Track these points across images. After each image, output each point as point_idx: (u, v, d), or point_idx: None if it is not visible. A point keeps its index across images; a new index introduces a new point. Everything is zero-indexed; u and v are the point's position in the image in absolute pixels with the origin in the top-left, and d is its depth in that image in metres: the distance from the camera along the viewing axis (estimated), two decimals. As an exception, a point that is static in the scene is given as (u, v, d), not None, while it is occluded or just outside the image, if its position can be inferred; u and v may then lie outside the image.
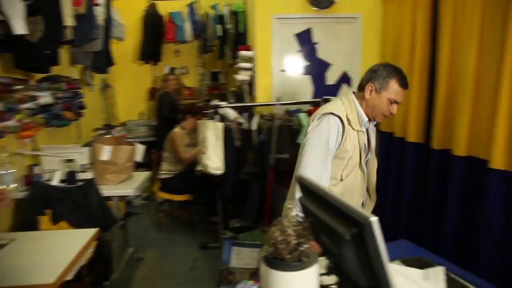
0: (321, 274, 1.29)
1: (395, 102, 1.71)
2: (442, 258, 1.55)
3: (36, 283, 1.61)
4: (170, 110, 4.77)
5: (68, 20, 3.09)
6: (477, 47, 2.25)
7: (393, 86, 1.69)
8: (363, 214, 0.84)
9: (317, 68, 3.55)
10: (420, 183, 2.83)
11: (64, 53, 3.38)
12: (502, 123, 2.02)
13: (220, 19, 5.32)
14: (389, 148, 3.11)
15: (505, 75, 2.00)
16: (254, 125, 2.98)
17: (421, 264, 1.36)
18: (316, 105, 3.25)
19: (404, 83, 1.70)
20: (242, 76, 3.51)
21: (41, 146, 3.28)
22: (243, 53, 3.51)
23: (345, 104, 1.78)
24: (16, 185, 1.51)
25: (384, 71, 1.71)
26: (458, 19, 2.45)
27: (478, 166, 2.21)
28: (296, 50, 3.54)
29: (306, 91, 3.56)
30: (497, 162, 2.03)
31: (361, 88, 1.78)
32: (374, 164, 1.88)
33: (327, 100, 3.30)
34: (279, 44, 3.50)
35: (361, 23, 3.56)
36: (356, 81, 3.56)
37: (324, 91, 3.51)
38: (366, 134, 1.78)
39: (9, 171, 2.90)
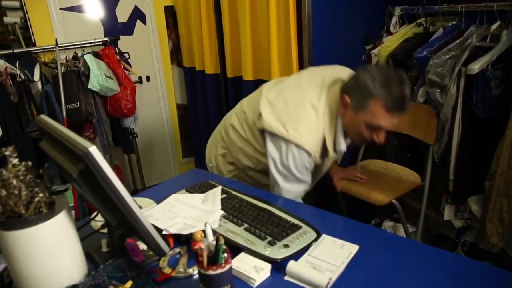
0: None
1: (379, 128, 1.30)
2: (229, 178, 1.64)
3: None
4: None
5: None
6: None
7: (374, 109, 1.26)
8: (82, 144, 0.76)
9: (104, 4, 3.20)
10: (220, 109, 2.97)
11: None
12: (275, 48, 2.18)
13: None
14: (194, 80, 3.18)
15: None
16: (36, 75, 2.57)
17: (204, 188, 1.36)
18: (105, 45, 2.97)
19: (392, 107, 1.24)
20: (11, 18, 2.93)
21: None
22: (6, -11, 2.90)
23: (323, 121, 1.35)
24: None
25: (370, 84, 1.25)
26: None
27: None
28: (76, -17, 3.10)
29: (97, 31, 3.21)
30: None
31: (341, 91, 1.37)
32: None
33: (118, 39, 3.07)
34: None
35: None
36: (150, 16, 3.37)
37: (118, 30, 3.23)
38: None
39: None
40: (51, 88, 2.58)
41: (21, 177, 0.86)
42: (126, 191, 0.80)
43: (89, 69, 2.58)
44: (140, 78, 3.35)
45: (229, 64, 2.70)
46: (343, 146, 1.37)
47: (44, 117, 1.06)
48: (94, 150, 0.75)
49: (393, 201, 1.78)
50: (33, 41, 3.00)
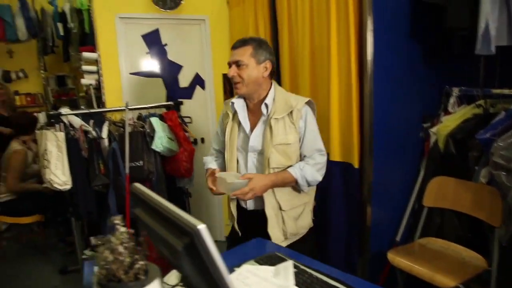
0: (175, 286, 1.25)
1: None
2: (293, 250, 1.65)
3: None
4: None
5: None
6: (309, 44, 2.49)
7: None
8: (191, 221, 0.83)
9: (168, 70, 3.48)
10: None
11: None
12: (335, 117, 2.27)
13: (61, 16, 4.81)
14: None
15: (333, 73, 2.25)
16: (104, 132, 2.77)
17: (273, 260, 1.38)
18: (169, 108, 3.19)
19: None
20: (87, 80, 3.23)
21: None
22: (86, 55, 3.23)
23: None
24: None
25: None
26: (293, 17, 2.67)
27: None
28: (145, 52, 3.41)
29: (160, 94, 3.46)
30: (335, 154, 2.28)
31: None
32: None
33: (180, 103, 3.29)
34: (126, 46, 3.32)
35: (209, 25, 3.61)
36: (209, 83, 3.62)
37: (178, 94, 3.47)
38: None
39: None
40: (118, 146, 2.76)
41: (125, 244, 0.93)
42: (227, 271, 0.85)
43: (154, 130, 2.76)
44: (195, 140, 3.52)
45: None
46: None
47: (138, 185, 1.15)
48: (203, 229, 0.81)
49: (459, 285, 1.71)
50: (103, 101, 3.27)
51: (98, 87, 3.32)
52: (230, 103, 1.82)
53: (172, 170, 2.95)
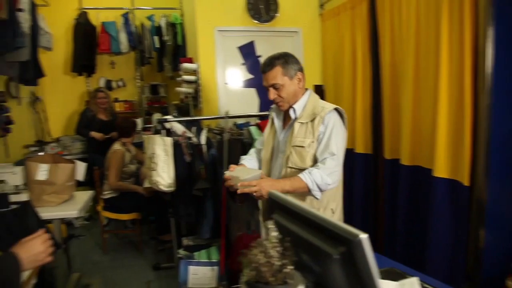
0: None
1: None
2: (410, 268, 1.60)
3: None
4: (83, 127, 4.59)
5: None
6: (414, 56, 2.43)
7: None
8: (352, 231, 0.85)
9: (261, 81, 3.57)
10: (369, 192, 2.97)
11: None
12: (442, 133, 2.18)
13: (157, 30, 5.19)
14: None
15: (442, 84, 2.17)
16: (203, 139, 2.92)
17: (393, 275, 1.37)
18: (263, 118, 3.27)
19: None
20: (186, 89, 3.44)
21: (-37, 168, 2.94)
22: (186, 65, 3.44)
23: None
24: None
25: None
26: (396, 31, 2.62)
27: (423, 174, 2.36)
28: (240, 63, 3.55)
29: (253, 104, 3.57)
30: (440, 170, 2.19)
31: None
32: None
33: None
34: (223, 57, 3.49)
35: (302, 37, 3.68)
36: (299, 93, 3.67)
37: (270, 104, 3.54)
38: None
39: None
40: (216, 153, 2.89)
41: (276, 248, 0.98)
42: (379, 281, 0.86)
43: (253, 138, 2.85)
44: (285, 148, 3.58)
45: (386, 143, 2.75)
46: None
47: (276, 192, 1.20)
48: (365, 239, 0.82)
49: None
50: (199, 109, 3.45)
51: (195, 96, 3.52)
52: (271, 108, 2.02)
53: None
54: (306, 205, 1.03)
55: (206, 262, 2.79)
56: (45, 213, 2.64)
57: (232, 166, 1.86)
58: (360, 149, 3.06)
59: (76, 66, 5.06)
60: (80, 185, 3.17)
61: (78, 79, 5.27)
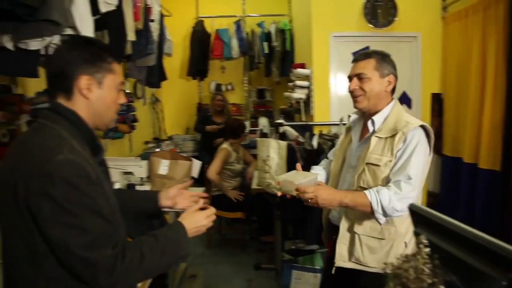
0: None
1: None
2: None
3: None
4: (200, 123, 4.97)
5: (131, 36, 3.16)
6: None
7: None
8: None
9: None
10: (493, 211, 2.69)
11: (119, 67, 3.43)
12: None
13: (266, 36, 5.35)
14: (457, 174, 3.00)
15: None
16: (315, 144, 2.92)
17: None
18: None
19: None
20: (298, 94, 3.47)
21: (100, 158, 3.33)
22: (300, 71, 3.47)
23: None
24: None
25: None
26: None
27: None
28: (354, 69, 3.47)
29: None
30: None
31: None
32: None
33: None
34: (337, 63, 3.45)
35: (420, 42, 3.47)
36: (416, 102, 3.47)
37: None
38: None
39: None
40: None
41: (428, 265, 0.92)
42: None
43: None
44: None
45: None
46: None
47: (418, 205, 1.13)
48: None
49: None
50: (311, 114, 3.46)
51: (306, 101, 3.54)
52: (350, 117, 1.85)
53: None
54: (447, 221, 0.95)
55: (310, 268, 2.77)
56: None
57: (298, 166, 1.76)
58: (485, 164, 2.78)
59: (191, 71, 5.45)
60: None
61: (192, 82, 5.67)
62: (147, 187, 3.14)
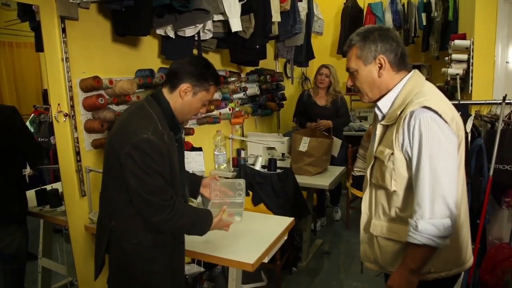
0: None
1: None
2: None
3: (239, 260, 1.75)
4: None
5: (276, 16, 3.29)
6: None
7: None
8: None
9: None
10: None
11: (269, 47, 3.60)
12: None
13: (425, 6, 4.83)
14: None
15: None
16: (468, 126, 2.56)
17: None
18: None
19: None
20: (454, 70, 3.07)
21: (247, 133, 3.63)
22: (458, 42, 3.06)
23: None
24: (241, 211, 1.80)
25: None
26: None
27: None
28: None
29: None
30: None
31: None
32: None
33: None
34: (507, 31, 2.91)
35: None
36: None
37: None
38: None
39: (222, 153, 3.32)
40: (483, 143, 2.50)
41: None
42: None
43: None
44: None
45: None
46: None
47: None
48: None
49: None
50: (469, 92, 3.04)
51: (464, 77, 3.11)
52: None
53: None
54: None
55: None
56: (302, 181, 2.98)
57: None
58: None
59: (342, 48, 5.33)
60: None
61: (343, 60, 5.55)
62: (286, 163, 3.30)
